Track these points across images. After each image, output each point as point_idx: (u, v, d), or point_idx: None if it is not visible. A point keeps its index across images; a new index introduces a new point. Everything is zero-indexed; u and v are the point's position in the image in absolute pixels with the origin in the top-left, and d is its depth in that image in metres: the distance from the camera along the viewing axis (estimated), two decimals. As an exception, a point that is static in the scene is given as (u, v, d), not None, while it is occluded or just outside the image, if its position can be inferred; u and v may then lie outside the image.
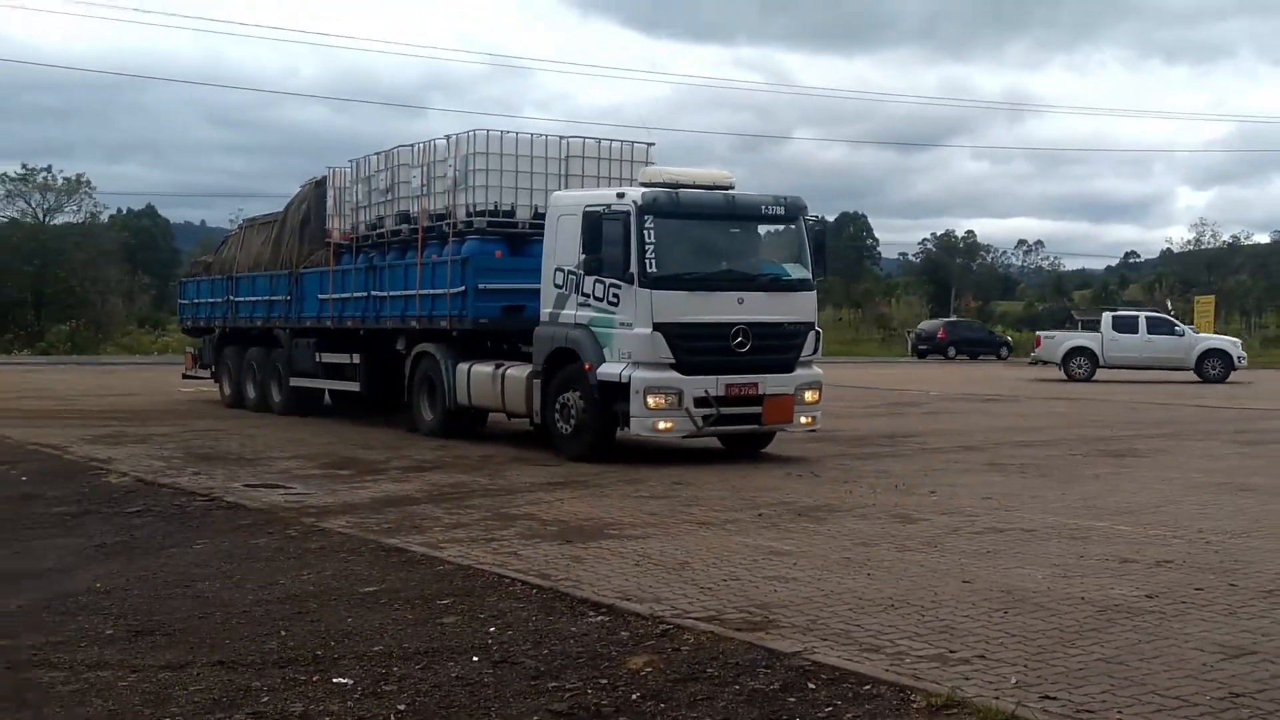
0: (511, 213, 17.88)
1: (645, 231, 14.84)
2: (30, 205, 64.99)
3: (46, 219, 65.19)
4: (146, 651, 6.71)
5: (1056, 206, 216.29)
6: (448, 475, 14.07)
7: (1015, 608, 7.73)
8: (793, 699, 5.99)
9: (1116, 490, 13.45)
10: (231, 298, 24.26)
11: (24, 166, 65.03)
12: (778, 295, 15.80)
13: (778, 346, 15.64)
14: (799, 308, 16.02)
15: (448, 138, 18.53)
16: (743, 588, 8.26)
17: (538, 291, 16.51)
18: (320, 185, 22.26)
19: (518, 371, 16.69)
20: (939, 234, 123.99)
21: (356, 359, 20.36)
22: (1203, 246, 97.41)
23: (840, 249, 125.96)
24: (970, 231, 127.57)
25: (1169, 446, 18.40)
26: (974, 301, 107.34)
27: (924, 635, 7.06)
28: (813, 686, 6.16)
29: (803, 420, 15.98)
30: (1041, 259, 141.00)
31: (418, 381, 18.74)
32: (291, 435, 18.24)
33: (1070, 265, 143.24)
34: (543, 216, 16.99)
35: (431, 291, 18.22)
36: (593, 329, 15.36)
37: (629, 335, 14.95)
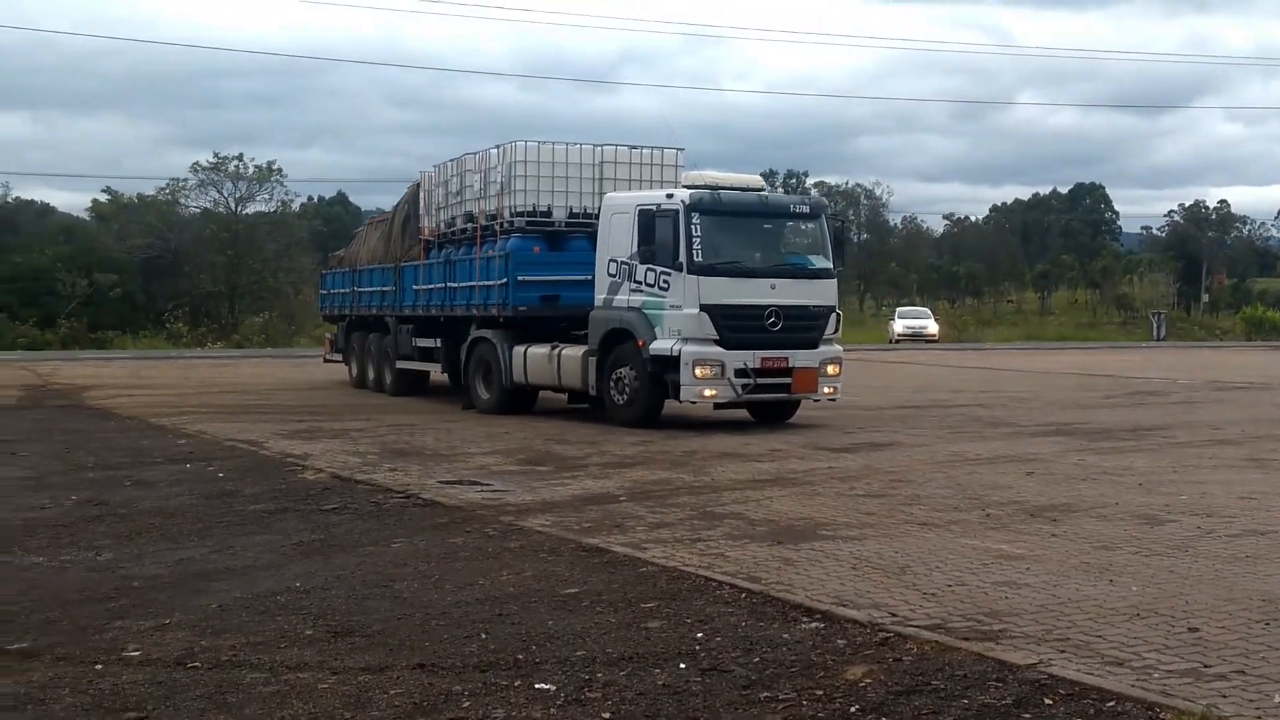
0: (549, 213, 21.26)
1: (693, 226, 18.04)
2: (222, 195, 67.88)
3: (238, 208, 67.96)
4: (346, 653, 6.98)
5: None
6: (649, 472, 14.22)
7: (1279, 618, 7.44)
8: (1027, 715, 5.89)
9: (1396, 489, 12.80)
10: (356, 288, 28.31)
11: (215, 155, 67.92)
12: (804, 282, 18.95)
13: (804, 326, 18.78)
14: (822, 293, 19.12)
15: (499, 147, 22.00)
16: (969, 594, 8.15)
17: (573, 282, 20.35)
18: (419, 187, 25.89)
19: (573, 351, 19.73)
20: (1187, 205, 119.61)
21: (439, 343, 23.61)
22: None
23: (1076, 224, 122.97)
24: (1223, 201, 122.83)
25: None
26: (1227, 279, 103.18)
27: (1174, 648, 6.85)
28: (1050, 702, 6.04)
29: (825, 390, 19.09)
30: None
31: (474, 364, 22.02)
32: (487, 429, 18.69)
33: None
34: (577, 216, 21.08)
35: (485, 283, 21.68)
36: (645, 311, 18.55)
37: (679, 315, 18.12)
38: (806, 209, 19.83)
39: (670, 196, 18.51)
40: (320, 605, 8.04)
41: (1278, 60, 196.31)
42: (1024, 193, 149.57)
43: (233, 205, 67.92)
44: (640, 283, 18.61)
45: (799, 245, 19.57)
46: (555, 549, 9.78)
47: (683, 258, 18.00)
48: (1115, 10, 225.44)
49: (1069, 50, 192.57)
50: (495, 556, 9.55)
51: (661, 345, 18.16)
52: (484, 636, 7.27)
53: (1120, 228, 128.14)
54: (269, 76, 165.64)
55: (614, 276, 19.11)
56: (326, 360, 31.43)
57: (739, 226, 18.81)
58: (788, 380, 18.59)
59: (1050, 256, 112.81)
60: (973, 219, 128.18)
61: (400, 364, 25.38)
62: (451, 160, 23.90)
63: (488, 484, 13.26)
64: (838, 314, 19.37)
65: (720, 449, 16.23)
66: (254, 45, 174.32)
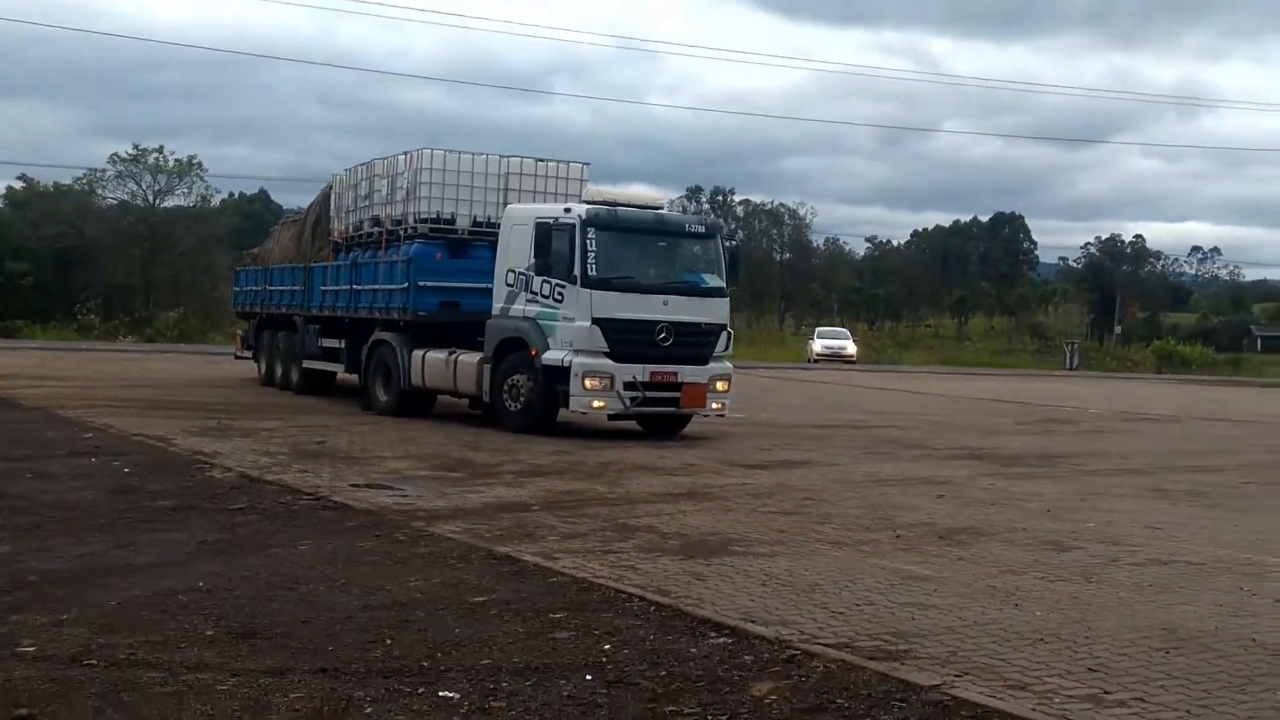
0: (452, 221, 21.57)
1: (588, 241, 18.40)
2: (141, 187, 66.95)
3: (157, 201, 67.06)
4: (247, 655, 6.87)
5: (1235, 210, 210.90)
6: (564, 481, 14.18)
7: (1179, 647, 7.56)
8: (929, 736, 5.92)
9: (1296, 523, 13.05)
10: (267, 287, 28.57)
11: (135, 147, 66.99)
12: (696, 300, 19.31)
13: (695, 342, 19.17)
14: (714, 311, 19.53)
15: (405, 154, 22.33)
16: (877, 614, 8.19)
17: (473, 290, 20.66)
18: (331, 189, 26.31)
19: (469, 358, 20.10)
20: (1103, 238, 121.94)
21: (343, 343, 23.91)
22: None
23: (994, 252, 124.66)
24: (1138, 236, 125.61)
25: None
26: (1140, 312, 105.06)
27: (1076, 673, 6.92)
28: (951, 724, 6.07)
29: (714, 406, 19.53)
30: (1218, 268, 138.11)
31: (374, 366, 22.41)
32: (401, 434, 18.55)
33: (1250, 275, 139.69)
34: (481, 225, 21.39)
35: (388, 287, 22.02)
36: (539, 322, 18.89)
37: (571, 327, 18.47)
38: (702, 229, 20.49)
39: (568, 211, 18.87)
40: (223, 606, 7.91)
41: (1196, 99, 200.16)
42: (945, 219, 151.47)
43: (151, 198, 67.03)
44: (536, 294, 18.98)
45: (693, 264, 19.86)
46: (465, 556, 9.71)
47: (577, 271, 18.36)
48: (1040, 44, 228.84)
49: (994, 81, 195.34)
50: (404, 562, 9.46)
51: (553, 356, 18.53)
52: (389, 642, 7.20)
53: (1037, 258, 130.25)
54: (198, 70, 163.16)
55: (512, 286, 19.48)
56: (238, 357, 31.62)
57: (634, 243, 19.16)
58: (676, 395, 18.96)
59: (968, 283, 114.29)
60: (894, 243, 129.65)
61: (307, 363, 25.73)
62: (362, 164, 24.26)
63: (399, 489, 13.15)
64: (729, 332, 19.80)
65: (636, 461, 16.22)
66: (185, 38, 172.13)
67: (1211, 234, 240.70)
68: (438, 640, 7.24)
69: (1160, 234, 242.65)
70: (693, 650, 7.22)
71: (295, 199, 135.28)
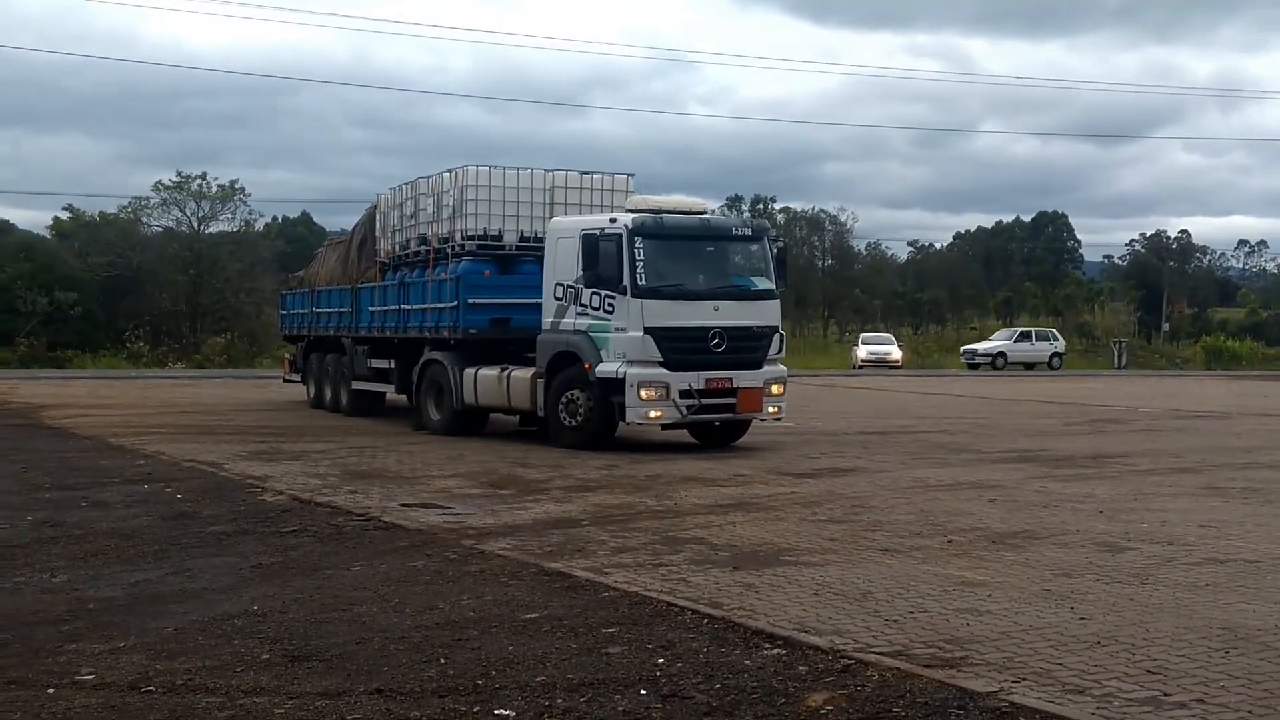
0: (500, 237, 21.61)
1: (635, 250, 18.34)
2: (185, 214, 67.44)
3: (201, 228, 67.54)
4: (303, 677, 6.91)
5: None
6: (613, 496, 14.19)
7: (1238, 647, 7.47)
8: (988, 743, 5.88)
9: (1354, 518, 12.88)
10: (314, 309, 28.58)
11: (179, 174, 67.48)
12: (747, 303, 19.22)
13: (748, 347, 19.08)
14: (765, 314, 19.43)
15: (450, 171, 22.33)
16: (931, 621, 8.15)
17: (523, 305, 20.63)
18: (376, 209, 26.39)
19: (522, 373, 20.01)
20: (1148, 234, 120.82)
21: (393, 364, 23.89)
22: None
23: (1038, 251, 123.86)
24: (1184, 231, 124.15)
25: None
26: (1188, 309, 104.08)
27: (1134, 676, 6.86)
28: (1010, 730, 6.03)
29: (770, 410, 19.45)
30: (1266, 261, 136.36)
31: (426, 385, 22.37)
32: (450, 452, 18.61)
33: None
34: (528, 240, 21.35)
35: (437, 305, 22.06)
36: (591, 334, 18.81)
37: (623, 338, 18.39)
38: (748, 231, 20.36)
39: (614, 221, 18.76)
40: (278, 629, 7.97)
41: (1237, 91, 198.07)
42: (986, 220, 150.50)
43: (195, 224, 67.46)
44: (586, 306, 18.91)
45: (742, 267, 19.76)
46: (516, 573, 9.73)
47: (626, 281, 18.30)
48: (1074, 40, 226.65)
49: (1030, 79, 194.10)
50: (455, 580, 9.49)
51: (607, 368, 18.44)
52: (443, 661, 7.22)
53: (1082, 256, 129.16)
54: (236, 96, 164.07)
55: (560, 300, 19.40)
56: (286, 381, 31.74)
57: (682, 250, 19.07)
58: (732, 400, 18.87)
59: (1013, 284, 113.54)
60: (936, 246, 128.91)
61: (356, 384, 25.73)
62: (406, 183, 24.32)
63: (449, 507, 13.20)
64: (781, 334, 19.71)
65: (684, 473, 16.21)
66: (221, 64, 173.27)
67: (1258, 227, 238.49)
68: (491, 658, 7.26)
69: (1206, 228, 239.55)
70: (747, 662, 7.20)
71: (338, 220, 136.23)
